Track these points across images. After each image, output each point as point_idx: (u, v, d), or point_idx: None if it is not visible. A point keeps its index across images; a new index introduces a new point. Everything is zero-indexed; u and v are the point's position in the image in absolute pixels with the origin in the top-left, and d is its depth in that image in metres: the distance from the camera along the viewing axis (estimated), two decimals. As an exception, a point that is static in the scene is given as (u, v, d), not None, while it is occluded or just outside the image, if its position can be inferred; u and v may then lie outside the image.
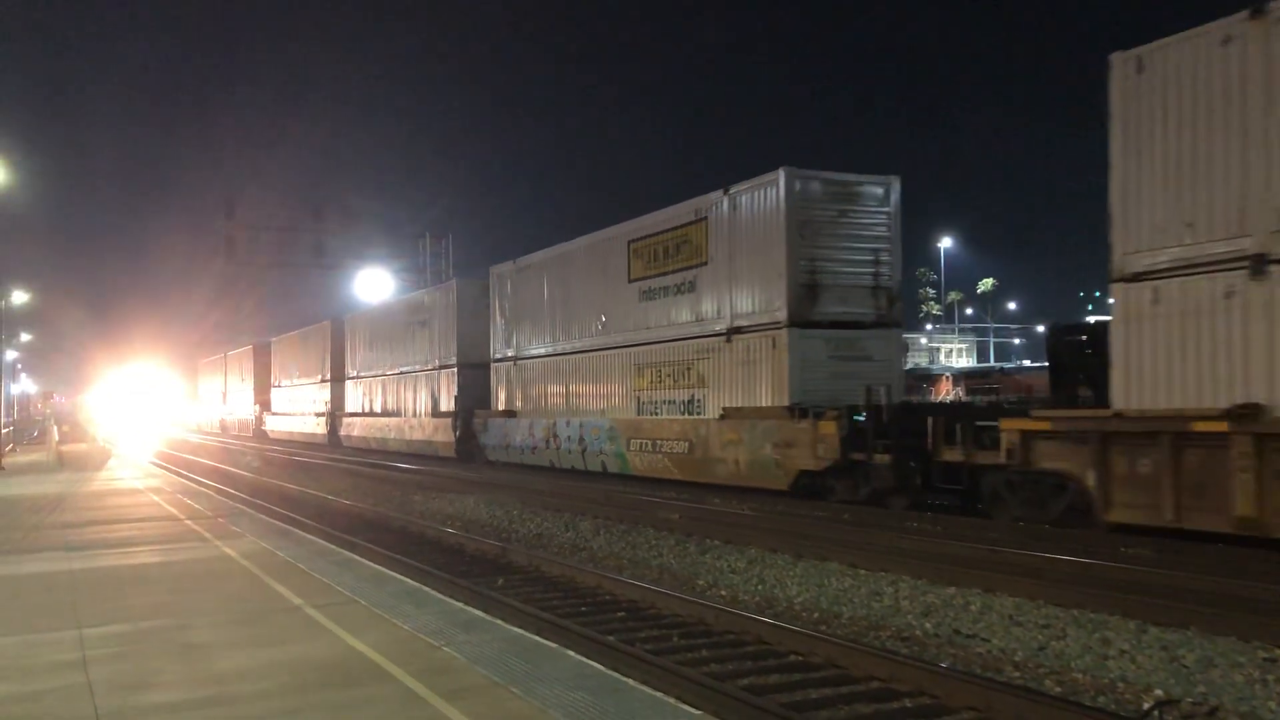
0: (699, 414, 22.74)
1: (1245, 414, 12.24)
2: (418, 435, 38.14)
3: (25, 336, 74.28)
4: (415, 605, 9.28)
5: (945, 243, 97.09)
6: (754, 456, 20.52)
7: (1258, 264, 12.35)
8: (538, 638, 8.13)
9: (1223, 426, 12.39)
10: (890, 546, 13.90)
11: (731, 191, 21.90)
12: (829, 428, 18.64)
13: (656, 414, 24.38)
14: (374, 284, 61.76)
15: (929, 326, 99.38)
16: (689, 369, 23.19)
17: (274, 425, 60.05)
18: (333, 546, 13.99)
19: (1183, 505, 12.94)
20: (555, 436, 28.73)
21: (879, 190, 21.00)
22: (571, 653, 7.59)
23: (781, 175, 20.32)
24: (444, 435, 35.60)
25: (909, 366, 57.10)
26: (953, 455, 16.78)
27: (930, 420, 17.38)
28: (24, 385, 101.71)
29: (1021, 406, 17.51)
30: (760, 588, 12.56)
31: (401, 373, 40.28)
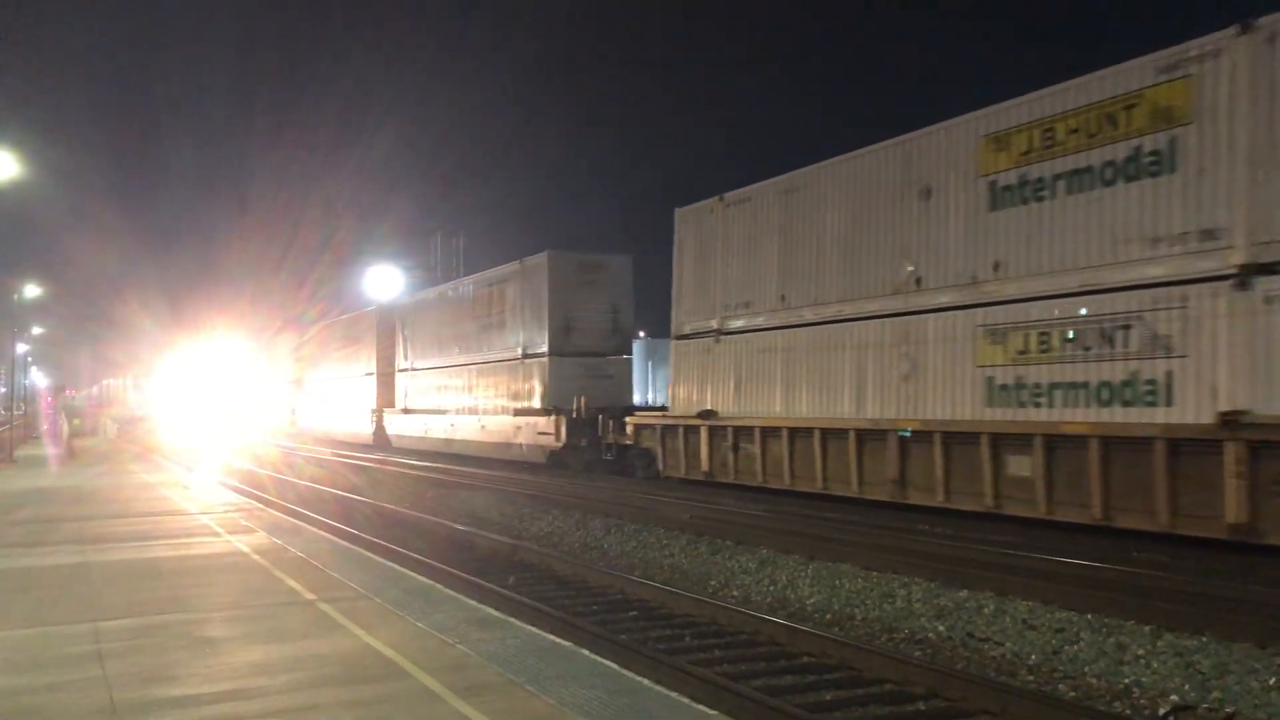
0: (507, 414, 31.96)
1: (706, 414, 21.96)
2: (350, 427, 47.51)
3: (36, 329, 74.79)
4: (428, 602, 9.17)
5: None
6: (530, 441, 29.88)
7: (717, 334, 22.12)
8: (551, 636, 8.05)
9: (698, 421, 22.12)
10: (903, 548, 13.72)
11: (524, 262, 31.09)
12: (561, 422, 28.02)
13: (486, 412, 33.61)
14: (383, 281, 62.04)
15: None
16: (502, 381, 32.60)
17: (250, 419, 68.81)
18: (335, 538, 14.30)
19: (688, 465, 22.52)
20: (429, 428, 38.12)
21: (617, 264, 30.24)
22: (585, 651, 7.55)
23: (546, 255, 29.55)
24: (366, 427, 45.01)
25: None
26: (609, 439, 26.35)
27: (600, 417, 26.70)
28: (34, 378, 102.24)
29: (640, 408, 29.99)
30: (772, 589, 12.48)
31: (343, 377, 49.61)
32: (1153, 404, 13.33)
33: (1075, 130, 14.56)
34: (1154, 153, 13.52)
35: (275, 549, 12.69)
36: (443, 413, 36.78)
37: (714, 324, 22.28)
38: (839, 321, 18.61)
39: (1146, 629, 9.35)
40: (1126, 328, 13.68)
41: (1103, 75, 14.46)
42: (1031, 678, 8.58)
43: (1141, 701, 7.90)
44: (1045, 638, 9.50)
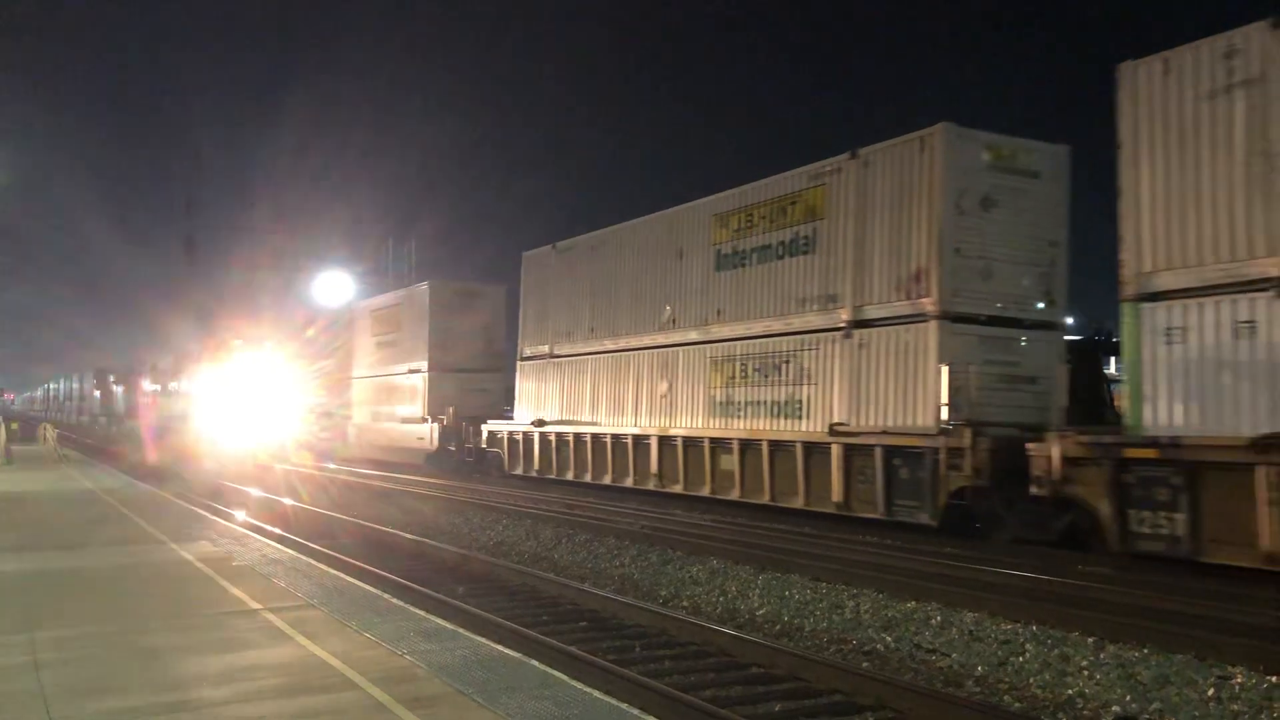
0: (395, 420, 30.08)
1: (539, 423, 22.47)
2: (281, 433, 44.44)
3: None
4: (375, 612, 7.19)
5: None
6: (411, 445, 28.66)
7: (549, 357, 22.85)
8: (500, 647, 6.09)
9: (532, 429, 22.32)
10: (852, 560, 10.53)
11: (411, 289, 29.56)
12: (435, 429, 26.96)
13: (379, 419, 32.28)
14: (334, 287, 61.33)
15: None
16: (393, 392, 31.27)
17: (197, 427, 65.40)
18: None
19: (525, 464, 23.14)
20: (337, 433, 36.98)
21: (491, 292, 29.06)
22: (534, 662, 5.77)
23: (427, 284, 28.61)
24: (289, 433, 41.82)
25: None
26: (472, 444, 25.55)
27: (463, 424, 25.82)
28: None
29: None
30: (722, 599, 9.61)
31: (276, 387, 45.61)
32: (799, 417, 15.58)
33: (765, 217, 16.84)
34: (805, 238, 16.02)
35: (222, 557, 9.94)
36: (351, 419, 36.77)
37: (547, 349, 23.17)
38: (626, 351, 20.33)
39: (1090, 641, 7.38)
40: (787, 363, 16.10)
41: (781, 177, 16.15)
42: (978, 689, 6.51)
43: (1085, 712, 5.96)
44: (991, 649, 7.43)
